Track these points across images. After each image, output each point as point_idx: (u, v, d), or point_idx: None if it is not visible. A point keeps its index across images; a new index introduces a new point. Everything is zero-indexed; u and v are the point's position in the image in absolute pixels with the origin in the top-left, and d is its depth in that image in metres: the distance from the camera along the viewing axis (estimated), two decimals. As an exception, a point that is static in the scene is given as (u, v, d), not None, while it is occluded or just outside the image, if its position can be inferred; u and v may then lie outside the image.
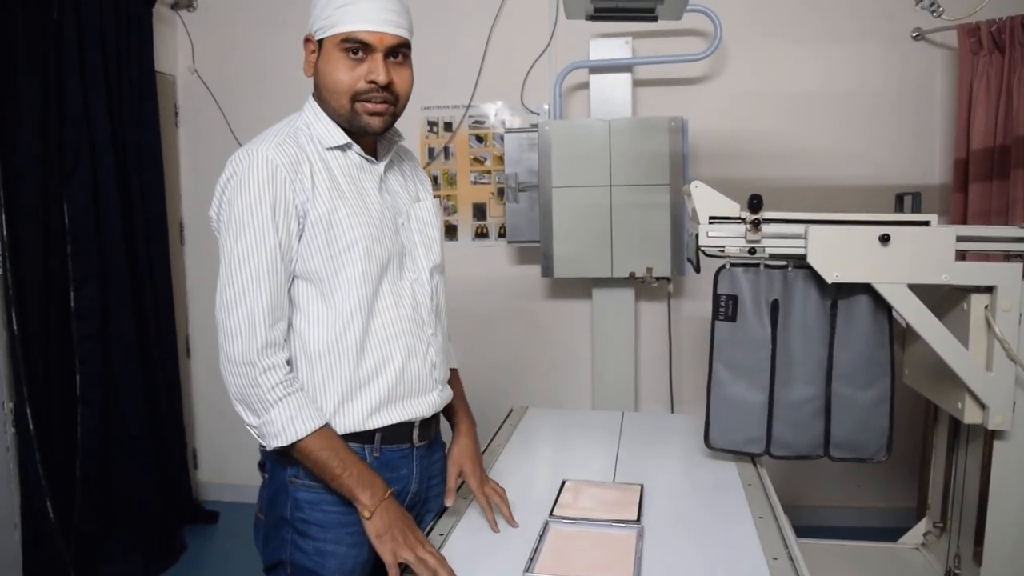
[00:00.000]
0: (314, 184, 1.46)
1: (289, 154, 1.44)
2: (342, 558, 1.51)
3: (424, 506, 1.68)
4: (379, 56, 1.47)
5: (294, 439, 1.39)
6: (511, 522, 1.61)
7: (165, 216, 3.67)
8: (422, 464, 1.63)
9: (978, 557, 1.93)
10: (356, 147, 1.54)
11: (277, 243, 1.41)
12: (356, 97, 1.48)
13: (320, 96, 1.53)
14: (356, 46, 1.46)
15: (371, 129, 1.52)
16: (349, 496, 1.43)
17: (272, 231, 1.40)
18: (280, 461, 1.51)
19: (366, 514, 1.41)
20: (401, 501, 1.60)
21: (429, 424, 1.64)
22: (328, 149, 1.51)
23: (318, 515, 1.49)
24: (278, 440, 1.40)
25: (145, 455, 3.36)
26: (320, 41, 1.49)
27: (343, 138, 1.52)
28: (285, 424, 1.39)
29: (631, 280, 3.30)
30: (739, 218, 1.84)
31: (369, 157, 1.56)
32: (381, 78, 1.47)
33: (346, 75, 1.47)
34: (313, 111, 1.54)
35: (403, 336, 1.55)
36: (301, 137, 1.49)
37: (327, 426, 1.44)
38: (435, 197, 1.76)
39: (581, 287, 3.61)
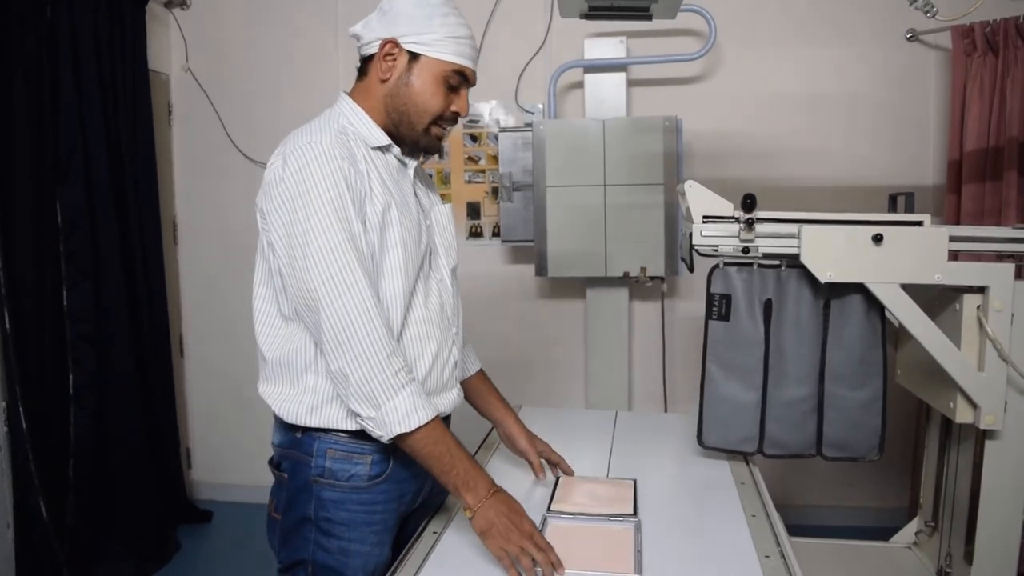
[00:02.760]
0: (370, 182, 1.47)
1: (349, 151, 1.45)
2: (365, 557, 1.53)
3: (432, 501, 1.71)
4: (467, 91, 1.58)
5: (415, 426, 1.39)
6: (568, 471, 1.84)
7: (159, 215, 3.66)
8: None
9: (969, 556, 1.94)
10: (396, 149, 1.57)
11: (362, 233, 1.42)
12: (436, 121, 1.55)
13: (385, 104, 1.54)
14: (461, 80, 1.54)
15: (434, 150, 1.62)
16: (454, 493, 1.44)
17: (357, 222, 1.41)
18: (302, 460, 1.52)
19: (468, 514, 1.42)
20: (415, 498, 1.63)
21: (446, 423, 1.67)
22: (373, 149, 1.53)
23: (343, 514, 1.50)
24: (398, 427, 1.39)
25: (138, 455, 3.36)
26: (414, 54, 1.50)
27: (386, 139, 1.55)
28: (408, 412, 1.39)
29: (625, 280, 3.31)
30: (733, 217, 1.84)
31: (403, 159, 1.59)
32: (466, 112, 1.60)
33: (442, 102, 1.53)
34: (352, 111, 1.55)
35: (435, 333, 1.58)
36: (349, 133, 1.50)
37: (437, 418, 1.44)
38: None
39: (575, 286, 3.62)
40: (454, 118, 1.58)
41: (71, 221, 3.03)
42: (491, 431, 2.20)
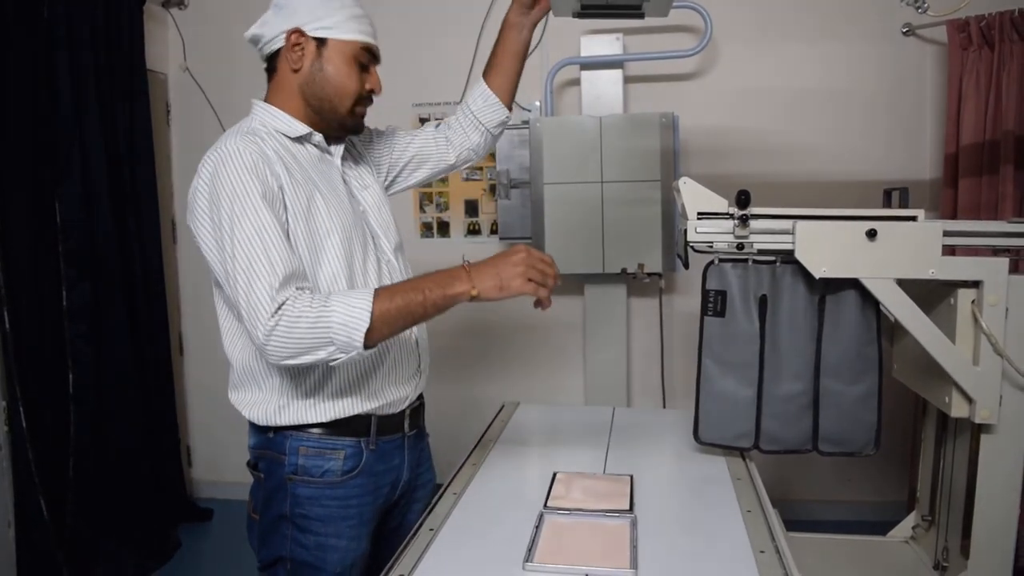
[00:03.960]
0: (289, 174, 1.48)
1: (258, 147, 1.46)
2: (343, 551, 1.55)
3: (413, 494, 1.73)
4: (376, 68, 1.60)
5: (369, 316, 1.34)
6: None
7: (157, 214, 3.67)
8: (412, 453, 1.69)
9: (965, 550, 1.94)
10: (318, 136, 1.59)
11: (274, 219, 1.41)
12: (357, 102, 1.58)
13: (302, 94, 1.55)
14: (370, 58, 1.57)
15: (359, 130, 1.64)
16: (447, 302, 1.40)
17: (266, 210, 1.40)
18: (276, 459, 1.53)
19: (474, 293, 1.39)
20: (392, 490, 1.65)
21: (418, 413, 1.70)
22: (292, 140, 1.55)
23: (319, 510, 1.52)
24: (360, 330, 1.34)
25: (138, 453, 3.37)
26: (321, 40, 1.52)
27: (304, 128, 1.56)
28: (352, 315, 1.34)
29: (623, 276, 3.32)
30: (727, 214, 1.85)
31: (326, 148, 1.61)
32: (380, 90, 1.61)
33: (357, 81, 1.57)
34: (265, 111, 1.57)
35: None
36: (261, 134, 1.51)
37: (376, 291, 1.39)
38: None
39: (573, 283, 3.61)
40: (370, 96, 1.61)
41: (70, 221, 3.04)
42: (489, 426, 2.20)
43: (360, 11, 1.57)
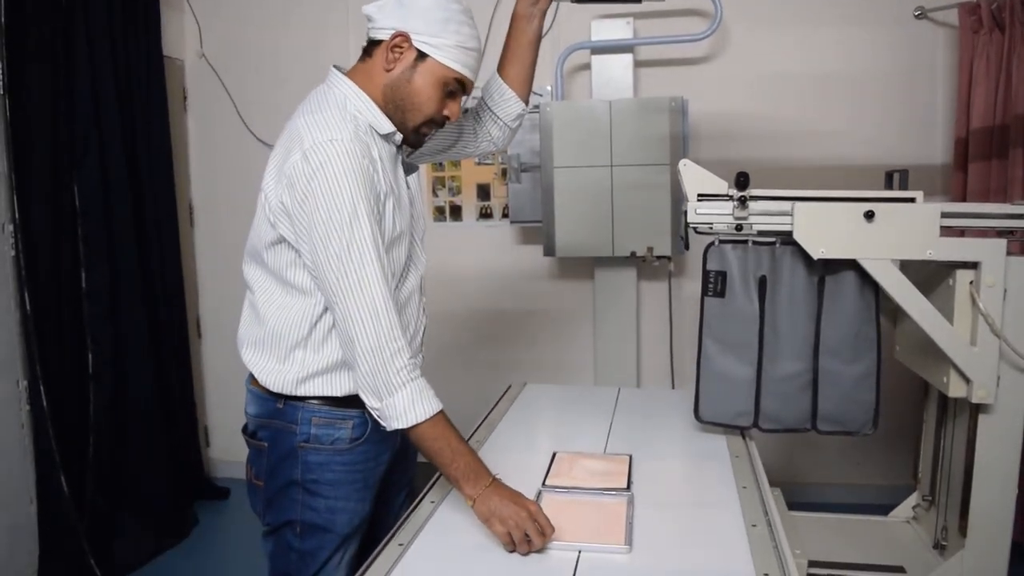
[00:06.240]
0: (384, 175, 1.52)
1: (367, 144, 1.49)
2: (351, 512, 1.62)
3: (405, 454, 1.78)
4: (461, 98, 1.60)
5: (414, 422, 1.45)
6: None
7: (174, 198, 3.73)
8: None
9: (964, 529, 1.97)
10: (399, 136, 1.59)
11: (379, 231, 1.47)
12: (428, 121, 1.57)
13: (384, 94, 1.55)
14: (459, 87, 1.56)
15: (416, 146, 1.68)
16: (455, 486, 1.50)
17: (375, 221, 1.45)
18: (285, 429, 1.59)
19: (469, 503, 1.47)
20: (392, 454, 1.71)
21: None
22: (381, 136, 1.56)
23: (329, 475, 1.59)
24: (399, 422, 1.46)
25: (156, 433, 3.44)
26: (423, 54, 1.51)
27: (391, 126, 1.56)
28: (407, 408, 1.45)
29: (632, 259, 3.34)
30: (726, 195, 1.87)
31: (400, 149, 1.63)
32: (456, 118, 1.62)
33: (437, 105, 1.55)
34: (360, 98, 1.55)
35: (417, 308, 1.67)
36: (360, 124, 1.52)
37: (441, 413, 1.49)
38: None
39: (583, 266, 3.65)
40: (443, 121, 1.61)
41: (87, 204, 3.09)
42: (495, 406, 2.24)
43: (474, 45, 1.55)
